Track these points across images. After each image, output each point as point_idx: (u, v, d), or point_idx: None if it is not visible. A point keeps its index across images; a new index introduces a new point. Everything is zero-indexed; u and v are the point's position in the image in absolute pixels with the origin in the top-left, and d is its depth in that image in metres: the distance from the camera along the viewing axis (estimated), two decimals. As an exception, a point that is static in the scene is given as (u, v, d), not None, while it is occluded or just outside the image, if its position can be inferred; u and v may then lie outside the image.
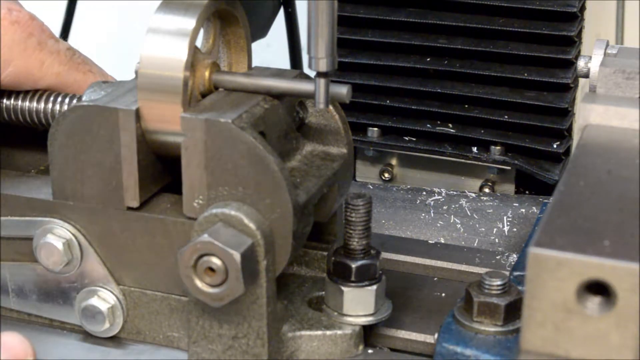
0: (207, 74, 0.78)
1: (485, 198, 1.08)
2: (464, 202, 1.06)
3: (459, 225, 1.03)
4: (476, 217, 1.04)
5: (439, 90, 1.14)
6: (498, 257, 0.92)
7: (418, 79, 1.15)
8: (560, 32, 1.08)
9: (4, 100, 0.85)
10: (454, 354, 0.73)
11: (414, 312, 0.82)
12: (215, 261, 0.70)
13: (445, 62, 1.13)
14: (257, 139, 0.72)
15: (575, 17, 1.09)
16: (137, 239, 0.77)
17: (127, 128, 0.74)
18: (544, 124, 1.11)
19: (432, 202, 1.07)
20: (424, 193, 1.09)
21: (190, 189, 0.74)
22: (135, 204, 0.76)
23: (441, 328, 0.76)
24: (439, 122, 1.15)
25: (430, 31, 1.13)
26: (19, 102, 0.85)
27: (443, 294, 0.86)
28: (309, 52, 0.72)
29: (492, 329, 0.74)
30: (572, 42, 1.09)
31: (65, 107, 0.84)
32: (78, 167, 0.77)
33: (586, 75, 0.86)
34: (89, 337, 0.81)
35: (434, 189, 1.10)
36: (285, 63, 1.54)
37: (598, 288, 0.59)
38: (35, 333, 0.82)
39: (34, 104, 0.85)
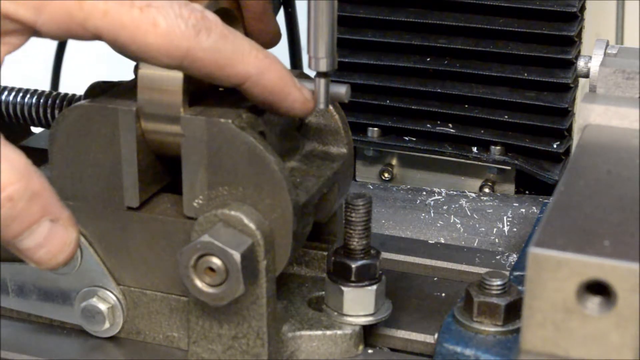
0: (207, 74, 0.78)
1: (485, 198, 1.08)
2: (464, 202, 1.06)
3: (459, 225, 1.03)
4: (476, 217, 1.04)
5: (439, 90, 1.14)
6: (498, 257, 0.92)
7: (418, 79, 1.15)
8: (560, 32, 1.08)
9: (4, 99, 0.85)
10: (454, 354, 0.73)
11: (414, 312, 0.82)
12: (215, 261, 0.70)
13: (445, 62, 1.13)
14: (257, 139, 0.72)
15: (575, 17, 1.08)
16: (137, 239, 0.77)
17: (127, 128, 0.74)
18: (544, 124, 1.11)
19: (432, 202, 1.07)
20: (424, 193, 1.09)
21: (190, 189, 0.74)
22: (135, 204, 0.76)
23: (441, 328, 0.76)
24: (439, 122, 1.15)
25: (430, 31, 1.13)
26: (19, 101, 0.85)
27: (443, 294, 0.86)
28: (309, 52, 0.72)
29: (492, 329, 0.74)
30: (572, 42, 1.09)
31: (65, 107, 0.84)
32: (78, 167, 0.76)
33: (586, 75, 0.86)
34: (89, 337, 0.81)
35: (434, 189, 1.10)
36: (285, 63, 1.54)
37: (598, 288, 0.59)
38: (35, 333, 0.82)
39: (34, 103, 0.85)
